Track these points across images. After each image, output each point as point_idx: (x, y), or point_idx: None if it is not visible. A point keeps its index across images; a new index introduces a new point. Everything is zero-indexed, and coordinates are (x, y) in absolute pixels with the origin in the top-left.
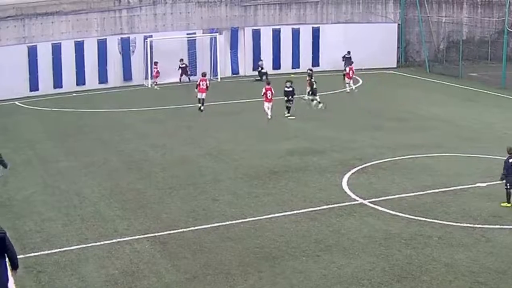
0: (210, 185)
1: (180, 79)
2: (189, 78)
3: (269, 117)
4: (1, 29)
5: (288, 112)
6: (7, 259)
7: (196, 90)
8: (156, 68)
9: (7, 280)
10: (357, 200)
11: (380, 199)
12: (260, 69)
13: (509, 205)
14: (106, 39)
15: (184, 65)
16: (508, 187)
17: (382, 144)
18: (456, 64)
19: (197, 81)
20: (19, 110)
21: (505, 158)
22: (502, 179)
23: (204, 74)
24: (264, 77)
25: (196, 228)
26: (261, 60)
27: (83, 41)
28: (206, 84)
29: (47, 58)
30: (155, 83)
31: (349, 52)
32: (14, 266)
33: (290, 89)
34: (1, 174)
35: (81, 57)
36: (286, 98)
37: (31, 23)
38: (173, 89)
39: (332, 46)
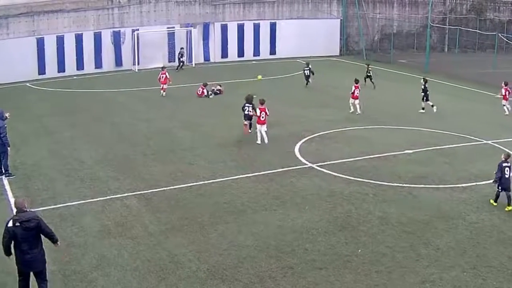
0: (187, 152)
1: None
2: (183, 63)
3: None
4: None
5: None
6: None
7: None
8: (165, 74)
9: (45, 261)
10: (307, 164)
11: (325, 163)
12: (180, 56)
13: (495, 204)
14: (101, 32)
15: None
16: (500, 189)
17: (327, 119)
18: (388, 52)
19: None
20: (30, 90)
21: (499, 162)
22: (495, 181)
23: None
24: (181, 66)
25: (175, 187)
26: (182, 48)
27: (82, 34)
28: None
29: (52, 47)
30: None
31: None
32: (54, 241)
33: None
34: None
35: (80, 46)
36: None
37: (39, 19)
38: (155, 73)
39: (286, 38)
